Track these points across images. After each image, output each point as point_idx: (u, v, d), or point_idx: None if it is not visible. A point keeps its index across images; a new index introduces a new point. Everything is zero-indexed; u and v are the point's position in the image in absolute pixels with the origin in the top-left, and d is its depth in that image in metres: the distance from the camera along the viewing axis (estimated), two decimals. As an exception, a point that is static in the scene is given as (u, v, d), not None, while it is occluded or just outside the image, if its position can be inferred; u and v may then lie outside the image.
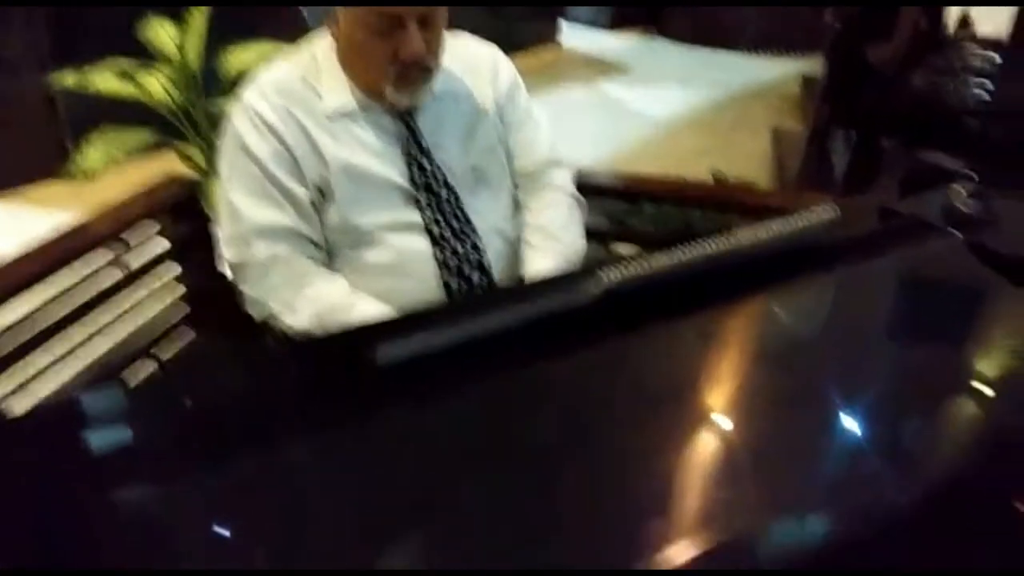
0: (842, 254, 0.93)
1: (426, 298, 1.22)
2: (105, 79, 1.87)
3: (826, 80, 3.67)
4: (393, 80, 1.15)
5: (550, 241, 1.30)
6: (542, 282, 1.17)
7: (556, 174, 1.38)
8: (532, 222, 1.33)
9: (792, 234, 0.88)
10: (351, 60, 1.17)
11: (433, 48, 1.15)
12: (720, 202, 2.08)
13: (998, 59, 3.14)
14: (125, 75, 1.91)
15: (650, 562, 0.53)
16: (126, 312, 1.45)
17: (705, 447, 0.66)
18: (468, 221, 1.24)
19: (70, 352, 1.34)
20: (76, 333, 1.36)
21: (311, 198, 1.19)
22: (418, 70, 1.15)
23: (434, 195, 1.22)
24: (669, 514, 0.59)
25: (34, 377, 1.27)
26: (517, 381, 0.73)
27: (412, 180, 1.21)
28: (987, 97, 3.72)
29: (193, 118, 2.02)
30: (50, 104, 2.61)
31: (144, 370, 1.46)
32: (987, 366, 0.79)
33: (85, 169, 1.82)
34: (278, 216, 1.18)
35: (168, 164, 1.98)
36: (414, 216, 1.21)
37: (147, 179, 1.70)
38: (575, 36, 6.23)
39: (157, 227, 1.51)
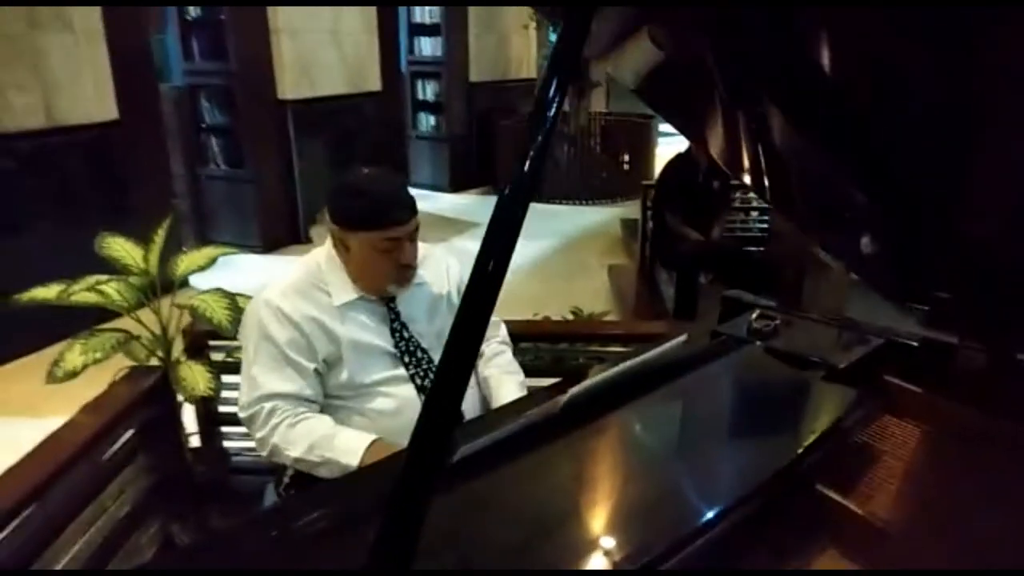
0: (692, 363, 1.51)
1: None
2: (81, 293, 2.21)
3: (646, 234, 4.59)
4: (396, 280, 1.65)
5: (508, 375, 1.82)
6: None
7: (495, 329, 1.91)
8: (491, 364, 1.84)
9: (665, 352, 1.45)
10: (363, 270, 1.64)
11: (416, 253, 1.67)
12: (582, 336, 2.67)
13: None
14: (92, 288, 2.26)
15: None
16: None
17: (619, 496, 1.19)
18: (439, 372, 1.72)
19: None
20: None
21: (318, 368, 1.63)
22: (411, 270, 1.66)
23: (413, 356, 1.70)
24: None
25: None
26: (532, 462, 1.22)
27: (397, 346, 1.69)
28: (767, 225, 4.79)
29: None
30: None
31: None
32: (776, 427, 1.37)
33: (67, 371, 2.13)
34: (286, 385, 1.61)
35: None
36: (401, 371, 1.68)
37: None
38: (422, 200, 6.97)
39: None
